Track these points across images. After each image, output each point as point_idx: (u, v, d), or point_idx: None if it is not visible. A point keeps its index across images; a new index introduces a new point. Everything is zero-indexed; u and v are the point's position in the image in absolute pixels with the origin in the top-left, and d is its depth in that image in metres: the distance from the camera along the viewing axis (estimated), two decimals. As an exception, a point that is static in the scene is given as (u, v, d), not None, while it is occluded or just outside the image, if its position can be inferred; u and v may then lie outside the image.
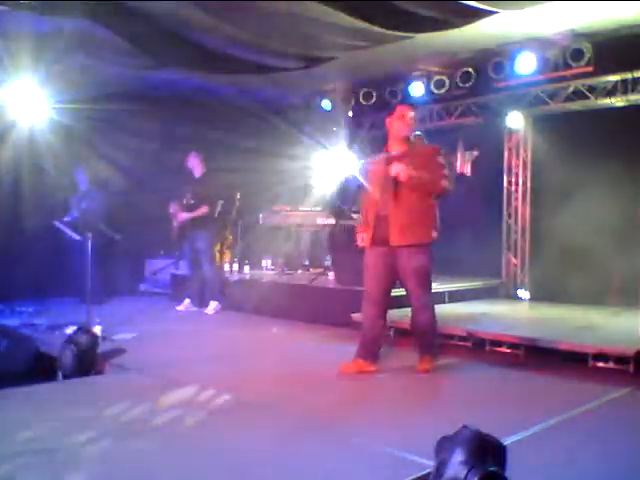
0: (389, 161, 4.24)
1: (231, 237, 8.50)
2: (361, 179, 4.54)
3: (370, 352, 4.33)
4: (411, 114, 4.32)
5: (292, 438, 2.96)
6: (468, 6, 5.11)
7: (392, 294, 4.50)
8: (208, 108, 8.37)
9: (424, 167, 4.16)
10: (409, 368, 4.48)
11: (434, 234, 4.29)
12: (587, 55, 6.48)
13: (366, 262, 4.40)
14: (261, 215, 8.45)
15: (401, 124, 4.28)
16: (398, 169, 4.09)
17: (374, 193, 4.30)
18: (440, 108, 8.38)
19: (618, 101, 6.72)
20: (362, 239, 4.38)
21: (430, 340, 4.40)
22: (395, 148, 4.35)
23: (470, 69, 7.47)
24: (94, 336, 4.33)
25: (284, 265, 8.24)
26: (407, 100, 8.29)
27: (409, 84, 8.15)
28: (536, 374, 4.38)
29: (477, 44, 6.81)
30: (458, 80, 7.61)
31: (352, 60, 6.94)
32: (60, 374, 4.21)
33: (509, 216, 8.05)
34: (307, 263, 8.28)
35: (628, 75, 6.54)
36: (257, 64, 6.70)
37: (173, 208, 6.98)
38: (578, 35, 6.41)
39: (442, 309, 6.51)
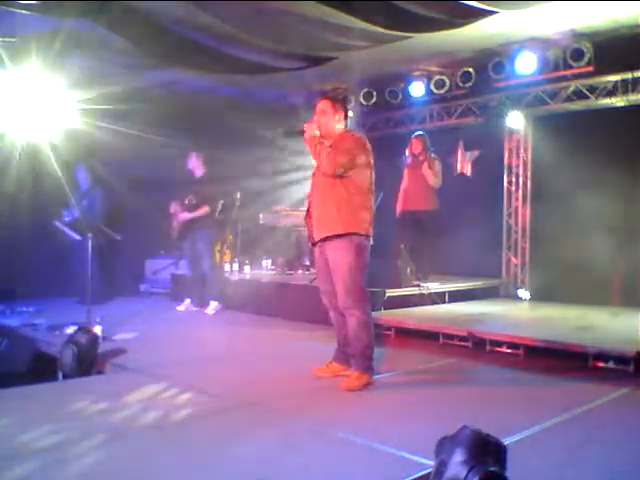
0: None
1: (231, 237, 8.51)
2: None
3: (344, 355, 4.10)
4: (323, 108, 4.01)
5: (292, 438, 2.96)
6: (468, 6, 5.12)
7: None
8: (208, 108, 8.38)
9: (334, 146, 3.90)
10: (409, 368, 4.48)
11: (352, 225, 3.83)
12: (587, 55, 6.49)
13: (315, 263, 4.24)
14: (261, 215, 8.46)
15: (317, 120, 4.01)
16: (307, 127, 3.94)
17: (310, 189, 4.17)
18: (440, 108, 8.39)
19: (618, 101, 6.73)
20: (309, 237, 4.16)
21: (356, 352, 3.89)
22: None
23: (470, 69, 7.48)
24: (94, 336, 4.32)
25: (284, 265, 8.24)
26: (407, 100, 8.31)
27: (409, 84, 8.16)
28: (536, 374, 4.37)
29: (477, 44, 6.81)
30: (458, 80, 7.62)
31: (352, 60, 6.94)
32: (60, 374, 4.21)
33: (509, 216, 8.06)
34: (307, 263, 8.28)
35: (628, 75, 6.55)
36: (257, 64, 6.70)
37: (173, 208, 6.98)
38: (578, 35, 6.42)
39: (442, 309, 6.55)
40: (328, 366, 4.18)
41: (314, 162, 4.09)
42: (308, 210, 4.15)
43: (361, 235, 3.90)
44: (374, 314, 4.50)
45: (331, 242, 3.89)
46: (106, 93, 6.73)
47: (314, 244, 4.09)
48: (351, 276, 3.85)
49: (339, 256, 3.86)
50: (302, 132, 4.01)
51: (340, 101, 4.20)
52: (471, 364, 4.72)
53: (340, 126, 4.05)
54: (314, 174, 4.15)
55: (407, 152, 7.42)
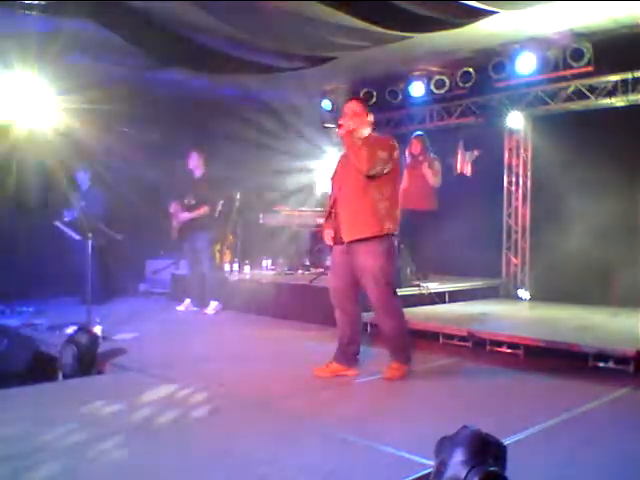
0: (344, 160, 4.19)
1: (231, 237, 8.51)
2: None
3: (345, 355, 4.19)
4: (354, 109, 4.09)
5: (292, 438, 2.96)
6: (468, 6, 5.12)
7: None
8: (209, 108, 8.38)
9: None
10: (409, 368, 4.49)
11: (387, 225, 3.96)
12: (587, 55, 6.49)
13: (331, 261, 4.29)
14: (261, 215, 8.46)
15: (345, 121, 4.09)
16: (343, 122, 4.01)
17: (332, 189, 4.24)
18: (440, 108, 8.39)
19: (618, 101, 6.72)
20: (328, 236, 4.19)
21: (397, 345, 4.11)
22: None
23: (470, 69, 7.48)
24: (94, 336, 4.33)
25: (284, 265, 8.24)
26: (407, 100, 8.31)
27: (409, 84, 8.16)
28: (536, 374, 4.38)
29: (477, 44, 6.81)
30: (458, 80, 7.62)
31: (352, 60, 6.95)
32: (60, 374, 4.21)
33: (509, 216, 8.06)
34: (307, 263, 8.28)
35: (628, 75, 6.55)
36: (258, 64, 6.70)
37: (173, 208, 6.97)
38: (578, 35, 6.42)
39: (442, 309, 6.55)
40: (328, 366, 4.20)
41: (334, 164, 4.22)
42: (330, 212, 4.19)
43: (392, 235, 4.05)
44: (374, 314, 4.52)
45: (364, 244, 3.96)
46: (107, 93, 6.73)
47: (336, 244, 4.15)
48: (385, 276, 3.98)
49: (373, 257, 3.96)
50: (338, 126, 4.07)
51: (368, 103, 4.26)
52: (471, 364, 4.72)
53: (369, 128, 4.16)
54: (336, 176, 4.20)
55: (406, 152, 7.42)
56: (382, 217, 3.96)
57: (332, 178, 4.30)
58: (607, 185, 6.63)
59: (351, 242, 4.00)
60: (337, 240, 4.12)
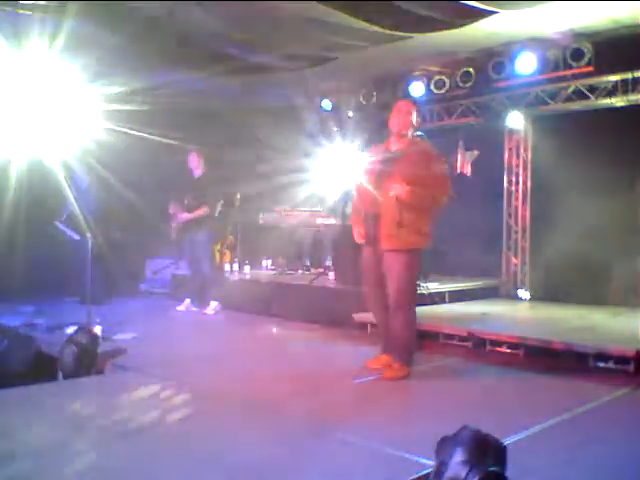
0: (385, 159, 4.17)
1: (231, 237, 8.51)
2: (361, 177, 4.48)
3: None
4: (408, 109, 4.16)
5: (292, 438, 2.96)
6: (468, 6, 5.12)
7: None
8: (208, 108, 8.37)
9: (422, 170, 4.02)
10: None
11: (423, 241, 4.14)
12: (587, 55, 6.48)
13: (362, 259, 4.33)
14: (261, 215, 8.45)
15: (397, 119, 4.15)
16: (398, 190, 3.96)
17: (367, 189, 4.22)
18: (440, 108, 8.38)
19: (618, 101, 6.72)
20: (359, 234, 4.27)
21: (400, 346, 4.19)
22: (394, 144, 4.22)
23: (470, 69, 7.47)
24: (94, 336, 4.32)
25: (284, 265, 8.24)
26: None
27: (409, 84, 8.15)
28: (536, 374, 4.37)
29: (477, 44, 6.81)
30: (458, 80, 7.61)
31: (352, 60, 6.94)
32: (60, 374, 4.21)
33: (509, 216, 8.06)
34: (307, 263, 8.29)
35: (628, 75, 6.55)
36: (258, 64, 6.70)
37: (173, 208, 6.97)
38: (578, 35, 6.42)
39: (442, 309, 6.55)
40: (378, 358, 4.34)
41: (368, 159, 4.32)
42: (363, 210, 4.24)
43: (421, 248, 4.19)
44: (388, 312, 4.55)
45: (398, 252, 4.07)
46: (106, 93, 6.73)
47: (367, 243, 4.22)
48: (409, 282, 4.17)
49: (404, 266, 4.08)
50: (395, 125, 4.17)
51: (416, 104, 4.43)
52: (471, 364, 4.72)
53: (415, 130, 4.29)
54: (375, 176, 4.17)
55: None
56: (420, 233, 4.10)
57: (367, 174, 4.25)
58: (607, 185, 6.63)
59: (386, 250, 4.11)
60: (369, 240, 4.19)
